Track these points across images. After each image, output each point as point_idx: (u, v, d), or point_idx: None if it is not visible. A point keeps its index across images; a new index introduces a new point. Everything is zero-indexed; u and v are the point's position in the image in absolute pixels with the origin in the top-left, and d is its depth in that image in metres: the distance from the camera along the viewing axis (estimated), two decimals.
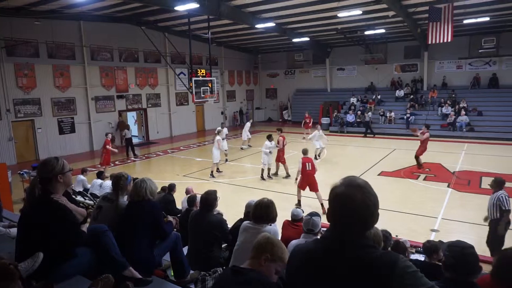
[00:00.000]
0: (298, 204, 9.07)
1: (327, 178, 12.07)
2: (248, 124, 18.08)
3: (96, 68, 18.34)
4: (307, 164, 9.09)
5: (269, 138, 12.00)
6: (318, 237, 1.49)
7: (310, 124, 19.76)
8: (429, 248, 4.03)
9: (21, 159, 15.59)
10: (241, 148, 17.72)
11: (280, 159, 12.22)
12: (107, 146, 12.91)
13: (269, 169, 12.27)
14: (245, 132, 17.75)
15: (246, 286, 1.89)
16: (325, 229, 5.89)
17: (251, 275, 1.92)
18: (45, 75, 16.32)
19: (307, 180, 9.11)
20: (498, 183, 6.11)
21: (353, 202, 1.41)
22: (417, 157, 12.59)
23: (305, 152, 9.61)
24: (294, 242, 3.85)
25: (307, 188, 9.24)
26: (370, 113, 21.98)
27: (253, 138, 18.50)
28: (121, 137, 18.18)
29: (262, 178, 12.06)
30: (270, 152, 11.93)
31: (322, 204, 8.81)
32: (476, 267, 2.35)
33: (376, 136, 20.40)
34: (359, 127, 21.70)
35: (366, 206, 1.41)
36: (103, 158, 13.02)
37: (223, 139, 13.81)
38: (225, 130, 15.74)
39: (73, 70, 17.37)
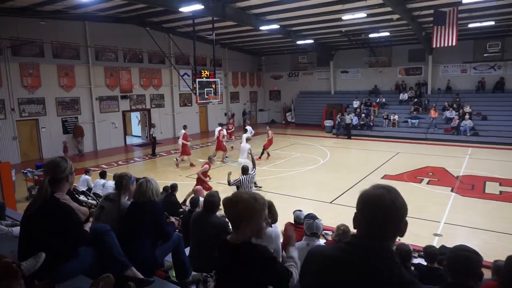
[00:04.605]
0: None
1: (331, 180, 12.07)
2: None
3: (100, 68, 18.42)
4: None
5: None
6: (342, 244, 1.46)
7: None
8: (430, 253, 4.01)
9: (25, 158, 15.67)
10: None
11: (221, 147, 15.14)
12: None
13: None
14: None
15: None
16: (325, 232, 5.86)
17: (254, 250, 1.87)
18: (49, 74, 16.41)
19: None
20: (243, 169, 8.39)
21: (383, 202, 1.37)
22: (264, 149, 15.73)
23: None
24: (296, 245, 3.84)
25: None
26: (352, 114, 22.11)
27: (253, 139, 18.37)
28: (77, 144, 17.24)
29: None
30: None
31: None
32: (481, 273, 2.32)
33: (352, 138, 20.71)
34: (363, 130, 21.76)
35: (396, 207, 1.38)
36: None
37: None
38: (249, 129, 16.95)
39: (77, 70, 17.46)
